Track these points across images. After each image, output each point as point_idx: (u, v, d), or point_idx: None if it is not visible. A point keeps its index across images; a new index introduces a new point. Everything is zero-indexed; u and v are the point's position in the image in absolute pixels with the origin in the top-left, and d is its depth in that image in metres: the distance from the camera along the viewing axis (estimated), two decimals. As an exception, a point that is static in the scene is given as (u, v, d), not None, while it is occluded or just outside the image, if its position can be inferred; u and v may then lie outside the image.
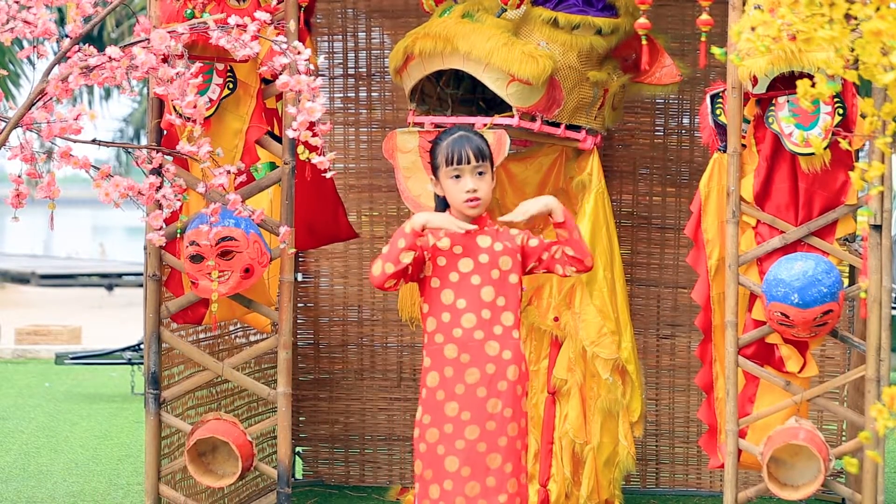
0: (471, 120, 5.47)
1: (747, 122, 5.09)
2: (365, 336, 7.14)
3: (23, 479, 7.34)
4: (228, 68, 5.04)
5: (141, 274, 19.67)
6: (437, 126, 5.57)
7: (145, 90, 7.63)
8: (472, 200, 4.60)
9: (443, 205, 4.72)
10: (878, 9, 2.77)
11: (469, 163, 4.60)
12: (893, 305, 7.08)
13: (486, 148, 4.65)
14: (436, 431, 4.58)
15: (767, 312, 4.93)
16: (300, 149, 4.55)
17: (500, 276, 4.61)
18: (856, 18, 2.87)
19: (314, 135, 4.46)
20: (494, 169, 4.74)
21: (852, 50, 2.85)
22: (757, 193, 5.06)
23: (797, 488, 4.98)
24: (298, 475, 7.19)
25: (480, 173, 4.62)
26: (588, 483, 5.76)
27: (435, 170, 4.67)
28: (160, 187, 4.63)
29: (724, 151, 5.12)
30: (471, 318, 4.59)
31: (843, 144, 4.56)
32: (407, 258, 4.51)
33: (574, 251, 4.62)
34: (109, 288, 23.25)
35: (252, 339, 6.44)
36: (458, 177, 4.61)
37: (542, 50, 5.41)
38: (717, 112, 5.26)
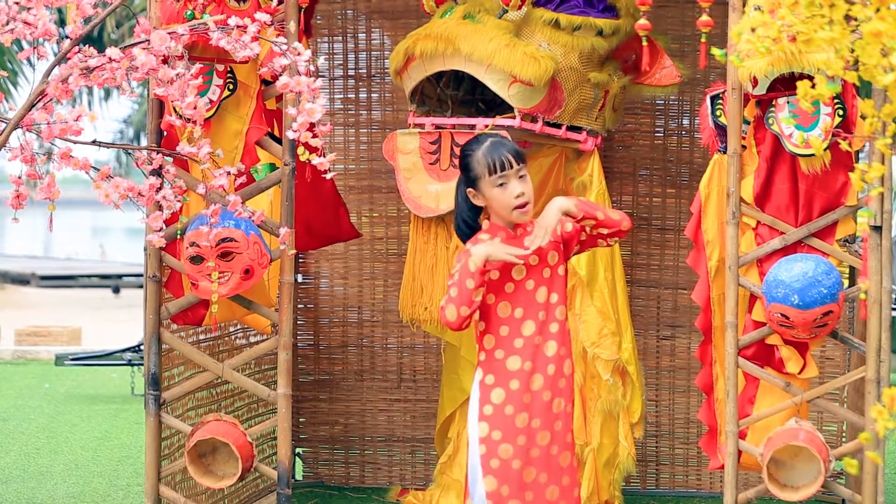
0: (472, 121, 5.47)
1: (747, 123, 5.09)
2: (365, 337, 7.14)
3: (23, 479, 7.34)
4: (228, 69, 5.05)
5: (141, 275, 19.68)
6: (437, 127, 5.57)
7: (145, 91, 7.64)
8: (521, 206, 4.48)
9: (469, 213, 4.58)
10: (878, 10, 2.77)
11: (512, 167, 4.47)
12: (893, 306, 7.08)
13: (521, 150, 4.56)
14: (509, 447, 4.48)
15: (767, 313, 4.93)
16: (300, 150, 4.55)
17: (550, 273, 4.53)
18: (856, 20, 2.87)
19: (314, 136, 4.46)
20: None
21: (852, 51, 2.85)
22: (757, 194, 5.06)
23: (797, 489, 4.98)
24: (298, 476, 7.19)
25: (522, 176, 4.51)
26: (588, 484, 5.76)
27: (473, 181, 4.50)
28: (160, 188, 4.63)
29: (724, 152, 5.12)
30: (530, 325, 4.50)
31: (843, 145, 4.56)
32: (479, 296, 4.42)
33: (609, 229, 4.54)
34: (115, 290, 23.21)
35: (252, 340, 6.44)
36: (503, 184, 4.47)
37: (544, 51, 5.41)
38: (717, 113, 5.25)
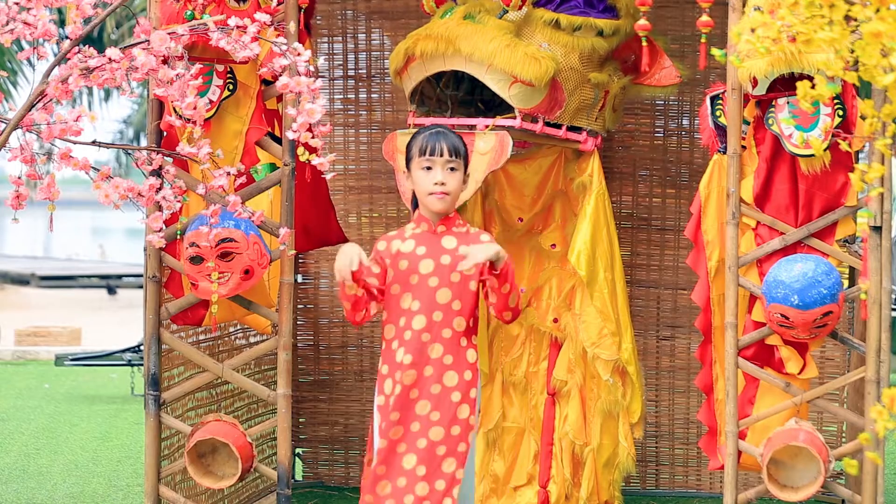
0: (471, 121, 5.47)
1: (747, 123, 5.09)
2: (365, 338, 7.14)
3: (22, 480, 7.34)
4: (228, 70, 5.05)
5: (141, 275, 19.68)
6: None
7: (145, 92, 7.64)
8: (439, 194, 4.53)
9: (414, 201, 4.67)
10: (877, 10, 2.77)
11: (441, 155, 4.54)
12: (893, 307, 7.08)
13: (462, 147, 4.58)
14: (388, 438, 4.53)
15: (767, 314, 4.93)
16: (300, 150, 4.55)
17: (459, 280, 4.53)
18: (855, 20, 2.87)
19: (314, 136, 4.46)
20: (468, 170, 4.67)
21: (852, 51, 2.85)
22: (757, 195, 5.06)
23: (797, 490, 4.98)
24: (298, 476, 7.19)
25: (452, 169, 4.55)
26: (588, 484, 5.76)
27: (408, 162, 4.62)
28: (160, 189, 4.63)
29: (724, 153, 5.12)
30: (421, 319, 4.52)
31: (843, 146, 4.55)
32: (354, 290, 4.49)
33: (496, 303, 4.53)
34: (111, 291, 23.18)
35: (252, 340, 6.44)
36: (429, 168, 4.55)
37: (544, 51, 5.41)
38: (717, 113, 5.25)
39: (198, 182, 4.82)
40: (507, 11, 5.44)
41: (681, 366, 6.89)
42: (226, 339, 6.24)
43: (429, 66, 5.44)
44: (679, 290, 6.85)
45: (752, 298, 5.09)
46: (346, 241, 6.46)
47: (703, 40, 4.82)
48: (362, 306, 4.53)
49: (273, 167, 5.25)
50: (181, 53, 4.49)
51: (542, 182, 5.86)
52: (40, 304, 21.07)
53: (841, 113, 4.89)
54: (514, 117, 5.40)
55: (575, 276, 5.70)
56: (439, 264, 4.53)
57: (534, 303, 5.91)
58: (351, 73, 7.06)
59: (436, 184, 4.53)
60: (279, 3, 5.04)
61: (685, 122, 6.87)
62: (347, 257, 4.45)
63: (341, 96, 7.08)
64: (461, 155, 4.57)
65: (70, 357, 10.99)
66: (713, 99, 5.30)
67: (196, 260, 4.93)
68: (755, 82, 4.93)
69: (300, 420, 7.12)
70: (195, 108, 4.42)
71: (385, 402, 4.53)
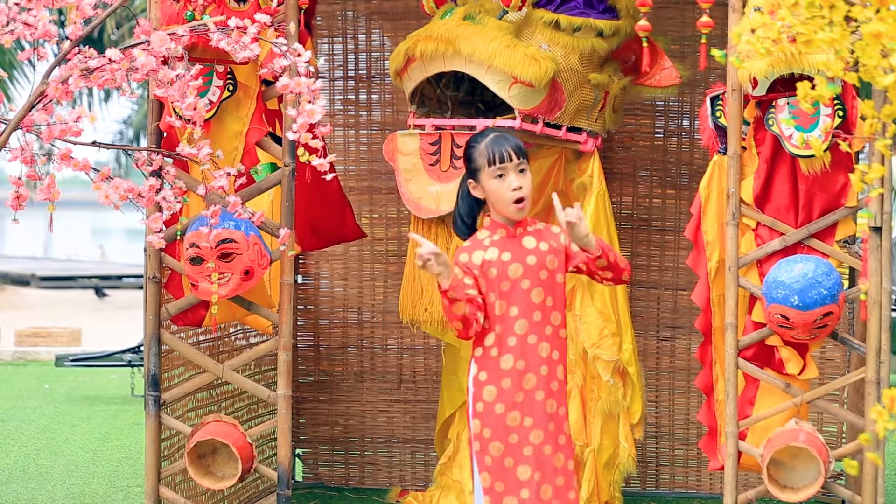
0: (472, 122, 5.47)
1: (747, 124, 5.09)
2: (365, 338, 7.14)
3: (23, 480, 7.34)
4: (228, 70, 5.05)
5: (141, 276, 19.67)
6: (437, 128, 5.57)
7: (145, 92, 7.64)
8: (518, 201, 4.52)
9: (467, 208, 4.63)
10: (878, 11, 2.77)
11: (511, 160, 4.52)
12: (893, 307, 7.07)
13: (523, 146, 4.60)
14: (500, 445, 4.51)
15: (767, 314, 4.93)
16: (300, 151, 4.55)
17: (547, 276, 4.54)
18: (856, 20, 2.87)
19: (314, 137, 4.46)
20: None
21: (852, 52, 2.85)
22: (757, 195, 5.06)
23: (797, 490, 4.98)
24: (298, 477, 7.19)
25: (522, 171, 4.56)
26: (588, 485, 5.76)
27: (474, 173, 4.56)
28: (160, 189, 4.63)
29: (724, 153, 5.12)
30: (523, 323, 4.52)
31: (843, 146, 4.55)
32: (462, 309, 4.45)
33: (612, 273, 4.58)
34: (99, 293, 23.02)
35: (252, 341, 6.44)
36: (501, 176, 4.52)
37: (544, 52, 5.41)
38: (717, 114, 5.25)
39: (198, 183, 4.82)
40: (507, 12, 5.44)
41: (681, 366, 6.89)
42: (226, 339, 6.24)
43: (429, 67, 5.44)
44: (679, 290, 6.85)
45: (753, 299, 5.09)
46: (363, 237, 6.47)
47: (703, 41, 4.82)
48: (472, 319, 4.49)
49: (274, 167, 5.25)
50: (181, 54, 4.49)
51: (542, 182, 5.86)
52: (40, 305, 21.07)
53: (841, 114, 4.89)
54: (514, 118, 5.40)
55: (575, 277, 5.69)
56: (527, 266, 4.53)
57: (534, 303, 5.90)
58: (351, 73, 7.06)
59: (514, 189, 4.52)
60: (279, 4, 5.04)
61: (685, 122, 6.87)
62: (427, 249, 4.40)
63: (341, 97, 7.08)
64: (526, 155, 4.59)
65: (70, 358, 10.99)
66: (713, 99, 5.29)
67: (196, 261, 4.93)
68: (755, 83, 4.93)
69: (300, 421, 7.12)
70: (195, 109, 4.41)
71: (485, 408, 4.52)
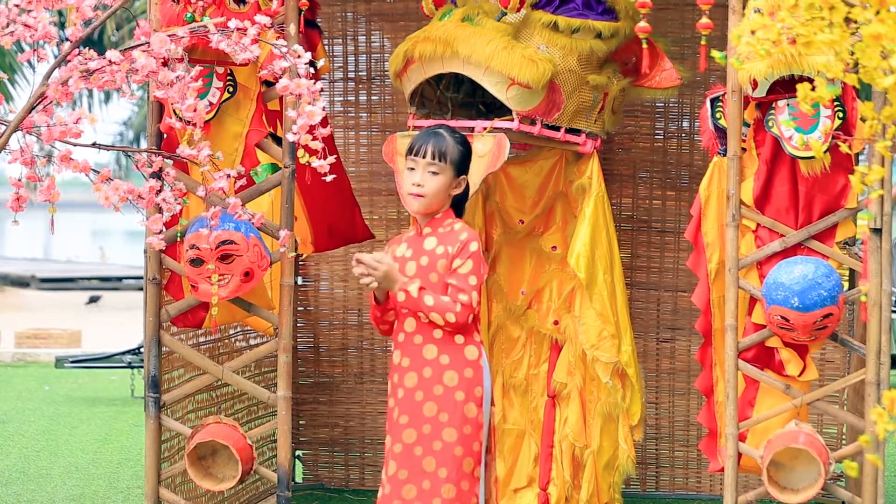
0: (471, 123, 5.46)
1: (747, 125, 5.09)
2: (365, 340, 7.14)
3: (22, 482, 7.34)
4: (228, 72, 5.05)
5: (141, 278, 19.66)
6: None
7: (145, 94, 7.64)
8: (414, 195, 4.63)
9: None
10: (877, 12, 2.77)
11: (424, 157, 4.65)
12: (893, 309, 7.07)
13: (452, 152, 4.69)
14: (388, 438, 4.65)
15: (767, 316, 4.92)
16: (300, 152, 4.55)
17: (438, 280, 4.60)
18: (856, 22, 2.87)
19: (314, 138, 4.46)
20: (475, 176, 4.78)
21: (852, 53, 2.85)
22: (757, 197, 5.06)
23: (797, 492, 4.98)
24: (298, 479, 7.19)
25: (434, 173, 4.63)
26: (588, 487, 5.75)
27: (403, 160, 4.78)
28: (160, 191, 4.62)
29: (724, 155, 5.11)
30: (412, 322, 4.58)
31: (843, 148, 4.55)
32: (388, 317, 4.68)
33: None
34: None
35: (252, 342, 6.44)
36: (412, 169, 4.67)
37: (542, 54, 5.40)
38: (717, 115, 5.25)
39: (198, 184, 4.82)
40: (506, 13, 5.44)
41: (681, 368, 6.89)
42: (226, 341, 6.24)
43: (427, 69, 5.44)
44: (679, 292, 6.85)
45: (753, 300, 5.09)
46: (372, 237, 6.47)
47: (703, 42, 4.81)
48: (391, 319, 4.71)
49: (274, 168, 5.25)
50: (181, 56, 4.49)
51: (542, 184, 5.86)
52: (40, 306, 21.07)
53: (841, 115, 4.89)
54: (512, 119, 5.40)
55: (575, 279, 5.69)
56: (420, 266, 4.60)
57: (534, 305, 5.90)
58: (351, 75, 7.06)
59: (413, 184, 4.65)
60: (279, 6, 5.04)
61: (685, 124, 6.88)
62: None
63: (341, 98, 7.09)
64: (447, 160, 4.64)
65: (70, 359, 10.99)
66: (713, 101, 5.29)
67: (196, 262, 4.93)
68: (755, 84, 4.93)
69: (300, 422, 7.12)
70: (195, 111, 4.41)
71: (393, 405, 4.58)
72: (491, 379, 4.74)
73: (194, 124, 4.48)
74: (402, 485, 4.56)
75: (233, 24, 4.48)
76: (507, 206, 5.91)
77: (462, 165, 4.73)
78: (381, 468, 4.65)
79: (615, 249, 5.74)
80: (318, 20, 6.81)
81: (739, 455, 5.06)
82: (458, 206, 4.77)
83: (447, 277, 4.58)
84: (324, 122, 4.40)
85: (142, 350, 8.85)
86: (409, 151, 4.70)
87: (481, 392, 4.60)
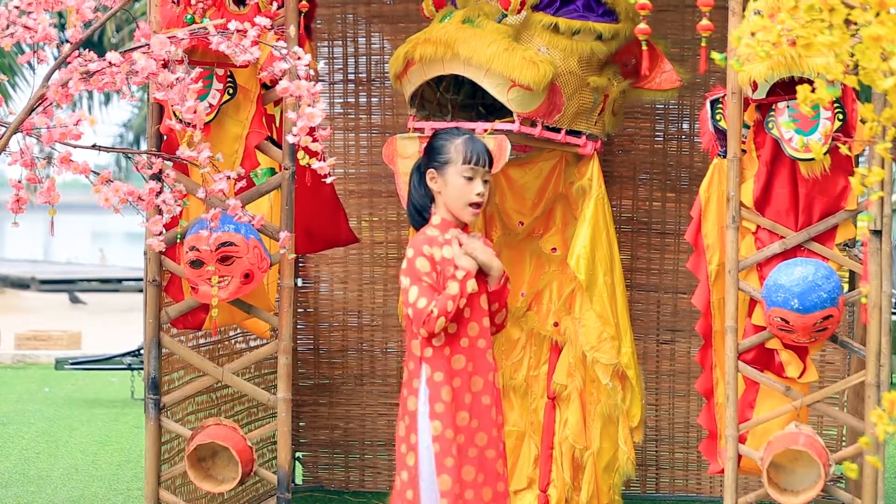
0: (471, 125, 5.46)
1: (747, 127, 5.09)
2: (365, 341, 7.14)
3: (22, 484, 7.34)
4: (228, 73, 5.05)
5: (141, 279, 19.64)
6: (437, 131, 5.57)
7: (145, 95, 7.64)
8: (476, 205, 4.58)
9: (423, 199, 4.64)
10: (877, 14, 2.77)
11: (485, 166, 4.60)
12: (893, 311, 7.07)
13: (492, 157, 4.70)
14: (457, 443, 4.55)
15: (767, 318, 4.92)
16: (300, 154, 4.55)
17: (483, 286, 4.62)
18: (855, 24, 2.87)
19: (314, 140, 4.46)
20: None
21: (852, 55, 2.85)
22: (757, 199, 5.06)
23: (797, 493, 4.98)
24: (298, 480, 7.19)
25: (486, 181, 4.63)
26: (588, 488, 5.75)
27: (442, 164, 4.59)
28: (160, 192, 4.62)
29: (724, 157, 5.12)
30: (475, 327, 4.56)
31: (843, 150, 4.55)
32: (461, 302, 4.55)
33: (496, 319, 4.68)
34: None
35: (252, 344, 6.44)
36: (470, 178, 4.57)
37: (543, 55, 5.41)
38: (717, 117, 5.26)
39: (198, 186, 4.82)
40: (506, 15, 5.44)
41: (681, 369, 6.89)
42: (226, 342, 6.24)
43: (428, 70, 5.44)
44: (679, 293, 6.85)
45: (753, 302, 5.09)
46: (356, 241, 6.45)
47: (703, 44, 4.81)
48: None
49: (273, 171, 5.25)
50: (181, 57, 4.49)
51: (542, 186, 5.86)
52: (40, 308, 21.07)
53: (841, 117, 4.89)
54: (513, 121, 5.40)
55: (575, 280, 5.69)
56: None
57: (534, 307, 5.90)
58: (351, 76, 7.06)
59: (478, 194, 4.57)
60: (279, 8, 5.04)
61: (685, 125, 6.88)
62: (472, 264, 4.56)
63: (341, 100, 7.09)
64: (493, 166, 4.70)
65: (70, 361, 10.99)
66: (713, 103, 5.30)
67: (196, 264, 4.93)
68: (755, 86, 4.93)
69: (300, 424, 7.12)
70: (195, 112, 4.41)
71: (445, 409, 4.51)
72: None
73: (194, 126, 4.48)
74: (481, 488, 4.53)
75: (233, 25, 4.48)
76: (506, 208, 5.91)
77: None
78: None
79: (615, 251, 5.74)
80: (318, 22, 6.82)
81: (739, 457, 5.06)
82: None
83: None
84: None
85: (142, 352, 8.85)
86: (468, 160, 4.55)
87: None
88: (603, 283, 5.65)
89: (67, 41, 4.31)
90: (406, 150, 5.56)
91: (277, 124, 5.34)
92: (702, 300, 5.34)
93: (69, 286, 24.28)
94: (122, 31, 19.72)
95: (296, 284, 6.55)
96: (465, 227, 4.63)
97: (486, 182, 4.61)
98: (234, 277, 4.92)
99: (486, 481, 4.55)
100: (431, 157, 4.64)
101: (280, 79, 4.52)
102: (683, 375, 6.87)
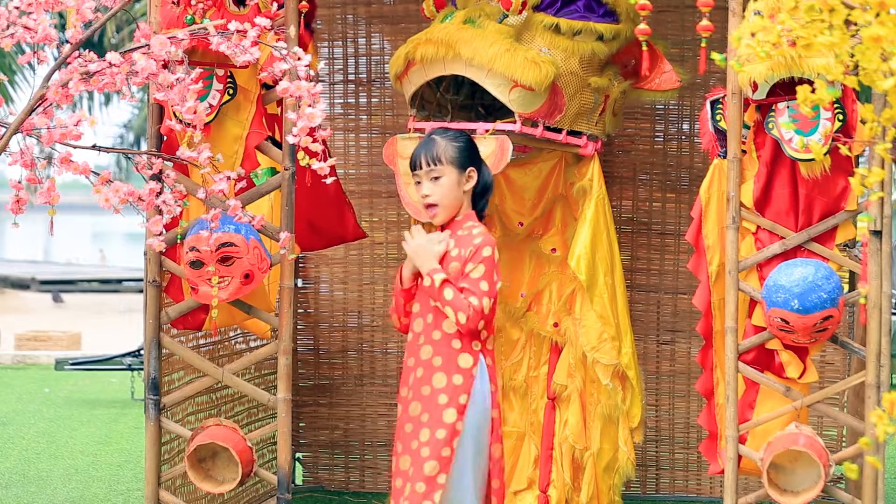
0: (472, 125, 5.47)
1: (747, 127, 5.09)
2: (365, 342, 7.14)
3: (22, 484, 7.34)
4: (228, 74, 5.05)
5: (141, 280, 19.64)
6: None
7: (145, 96, 7.63)
8: (428, 207, 4.67)
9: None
10: (877, 15, 2.77)
11: (421, 168, 4.69)
12: (893, 311, 7.07)
13: (446, 151, 4.69)
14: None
15: (767, 318, 4.93)
16: (300, 154, 4.55)
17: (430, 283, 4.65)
18: (855, 24, 2.87)
19: (314, 140, 4.46)
20: (470, 171, 4.74)
21: (852, 56, 2.85)
22: (757, 199, 5.06)
23: (797, 494, 4.98)
24: (298, 481, 7.19)
25: (436, 178, 4.65)
26: (588, 489, 5.75)
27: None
28: (160, 193, 4.62)
29: (724, 157, 5.12)
30: (419, 322, 4.65)
31: (843, 150, 4.56)
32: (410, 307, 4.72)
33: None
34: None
35: (252, 344, 6.44)
36: (418, 183, 4.72)
37: (544, 56, 5.41)
38: (718, 118, 5.26)
39: (198, 186, 4.82)
40: (508, 16, 5.44)
41: (681, 370, 6.89)
42: (226, 343, 6.24)
43: (429, 71, 5.44)
44: (679, 294, 6.85)
45: (753, 303, 5.09)
46: (364, 237, 6.45)
47: (703, 44, 4.81)
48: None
49: (273, 171, 5.25)
50: (181, 58, 4.49)
51: (542, 186, 5.86)
52: (40, 309, 21.07)
53: (841, 117, 4.89)
54: (515, 122, 5.40)
55: (575, 281, 5.69)
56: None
57: (534, 307, 5.90)
58: (351, 77, 7.06)
59: (423, 196, 4.70)
60: (279, 8, 5.04)
61: (685, 126, 6.88)
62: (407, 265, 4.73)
63: (342, 101, 7.09)
64: (443, 161, 4.67)
65: (70, 361, 10.99)
66: (713, 103, 5.30)
67: (196, 264, 4.93)
68: (755, 86, 4.93)
69: (300, 424, 7.12)
70: (195, 113, 4.41)
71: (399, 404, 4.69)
72: (493, 387, 4.70)
73: (194, 126, 4.48)
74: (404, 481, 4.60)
75: (233, 26, 4.48)
76: (506, 209, 5.91)
77: (464, 159, 4.71)
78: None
79: (616, 251, 5.74)
80: (318, 22, 6.82)
81: (739, 457, 5.06)
82: (480, 199, 4.78)
83: (459, 281, 4.57)
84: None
85: (142, 352, 8.86)
86: (411, 167, 4.74)
87: (466, 400, 4.57)
88: (603, 283, 5.65)
89: (67, 42, 4.31)
90: (406, 151, 5.56)
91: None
92: (702, 301, 5.34)
93: (69, 286, 24.29)
94: (122, 32, 19.73)
95: (296, 285, 6.55)
96: (449, 222, 4.71)
97: (436, 179, 4.67)
98: (234, 278, 4.92)
99: (396, 474, 4.63)
100: None
101: (280, 79, 4.52)
102: (683, 376, 6.87)
